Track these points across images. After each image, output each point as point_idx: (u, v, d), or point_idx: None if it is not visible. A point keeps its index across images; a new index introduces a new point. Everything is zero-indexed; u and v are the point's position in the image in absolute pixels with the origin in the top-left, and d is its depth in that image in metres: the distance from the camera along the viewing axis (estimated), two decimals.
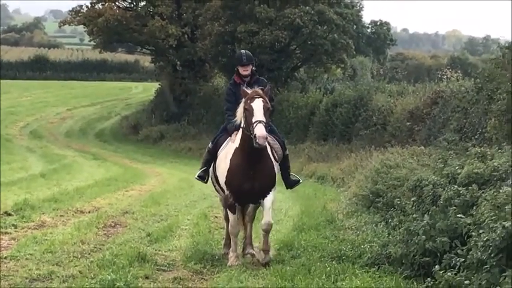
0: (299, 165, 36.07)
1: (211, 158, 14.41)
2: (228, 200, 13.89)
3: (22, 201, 19.83)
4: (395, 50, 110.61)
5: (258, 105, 13.14)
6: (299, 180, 15.24)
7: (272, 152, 13.88)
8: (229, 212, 14.13)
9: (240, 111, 13.46)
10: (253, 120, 12.97)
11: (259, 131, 12.82)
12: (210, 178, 14.61)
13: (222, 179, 13.90)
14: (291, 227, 18.57)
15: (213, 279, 12.65)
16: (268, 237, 14.11)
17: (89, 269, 12.58)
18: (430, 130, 29.27)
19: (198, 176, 14.76)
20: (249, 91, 13.39)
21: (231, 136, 13.74)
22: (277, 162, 14.01)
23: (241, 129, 13.42)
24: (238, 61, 14.50)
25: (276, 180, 14.06)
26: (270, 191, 13.87)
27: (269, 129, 13.78)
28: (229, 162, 13.67)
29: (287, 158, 14.65)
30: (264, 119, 12.98)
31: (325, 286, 11.85)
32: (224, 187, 13.90)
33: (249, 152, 13.20)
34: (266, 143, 13.32)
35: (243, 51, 14.90)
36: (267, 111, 13.16)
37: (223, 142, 14.15)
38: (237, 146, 13.53)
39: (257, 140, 12.82)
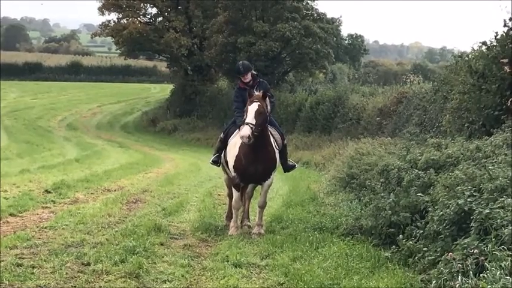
0: (288, 153, 35.88)
1: (223, 146, 14.43)
2: (235, 181, 13.92)
3: (60, 181, 19.83)
4: (367, 58, 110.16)
5: (252, 108, 13.17)
6: (295, 165, 15.37)
7: (274, 141, 13.93)
8: (234, 190, 14.14)
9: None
10: (245, 121, 13.03)
11: (243, 131, 12.94)
12: (222, 162, 14.61)
13: (231, 163, 13.92)
14: (281, 203, 18.55)
15: (216, 246, 12.64)
16: (262, 213, 14.22)
17: (114, 237, 12.55)
18: (396, 124, 29.24)
19: (212, 161, 14.80)
20: (255, 93, 13.41)
21: (239, 129, 13.55)
22: (277, 149, 14.04)
23: None
24: (237, 72, 14.51)
25: (277, 165, 14.13)
26: (271, 174, 13.99)
27: (270, 122, 13.97)
28: (237, 150, 13.68)
29: (285, 146, 14.77)
30: (252, 122, 13.01)
31: (309, 252, 11.85)
32: (232, 170, 13.91)
33: (254, 142, 13.19)
34: (269, 134, 13.58)
35: (240, 62, 14.82)
36: (258, 114, 13.12)
37: (233, 133, 14.14)
38: None
39: (241, 139, 13.00)
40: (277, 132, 14.31)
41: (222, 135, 14.71)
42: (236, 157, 13.73)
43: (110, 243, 11.91)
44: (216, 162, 14.69)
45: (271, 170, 13.94)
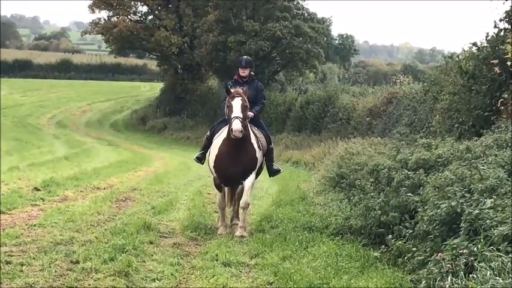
0: (278, 152, 36.03)
1: (208, 143, 14.43)
2: (216, 181, 13.93)
3: (49, 179, 19.78)
4: (358, 58, 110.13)
5: (236, 103, 13.21)
6: (279, 170, 15.22)
7: (257, 141, 13.88)
8: (216, 191, 14.23)
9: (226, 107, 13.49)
10: (232, 116, 13.05)
11: (235, 125, 12.94)
12: (206, 161, 14.59)
13: (211, 164, 13.92)
14: (270, 202, 18.57)
15: (205, 245, 12.64)
16: (245, 215, 14.11)
17: (103, 235, 12.53)
18: (386, 124, 29.30)
19: (196, 158, 14.85)
20: (232, 90, 13.44)
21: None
22: (260, 149, 13.97)
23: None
24: (238, 63, 14.64)
25: (258, 164, 14.04)
26: (251, 173, 13.86)
27: (256, 124, 13.98)
28: (217, 150, 13.67)
29: (271, 150, 14.74)
30: (240, 115, 13.06)
31: (298, 251, 11.86)
32: (213, 170, 13.91)
33: (233, 141, 13.21)
34: (250, 132, 13.48)
35: (244, 56, 15.35)
36: (244, 108, 13.21)
37: (219, 131, 14.14)
38: (225, 136, 13.53)
39: (233, 133, 12.96)
40: (262, 135, 14.28)
41: (208, 133, 14.76)
42: (216, 157, 13.76)
43: (99, 242, 11.89)
44: (199, 159, 14.75)
45: (249, 170, 13.86)
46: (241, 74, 14.40)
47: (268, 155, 14.44)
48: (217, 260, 11.07)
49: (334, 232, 13.48)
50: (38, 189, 18.12)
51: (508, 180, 10.24)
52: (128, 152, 40.06)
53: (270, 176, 15.30)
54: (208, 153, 14.38)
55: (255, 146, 13.81)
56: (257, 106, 14.18)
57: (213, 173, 14.08)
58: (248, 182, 13.90)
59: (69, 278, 9.55)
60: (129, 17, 63.32)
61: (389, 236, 11.29)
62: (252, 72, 14.59)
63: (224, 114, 14.00)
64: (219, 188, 14.08)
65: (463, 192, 10.31)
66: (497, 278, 7.73)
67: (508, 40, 15.73)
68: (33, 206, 15.88)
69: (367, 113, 33.06)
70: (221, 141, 13.68)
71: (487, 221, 8.99)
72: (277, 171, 15.05)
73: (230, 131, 13.06)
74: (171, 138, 55.82)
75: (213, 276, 10.05)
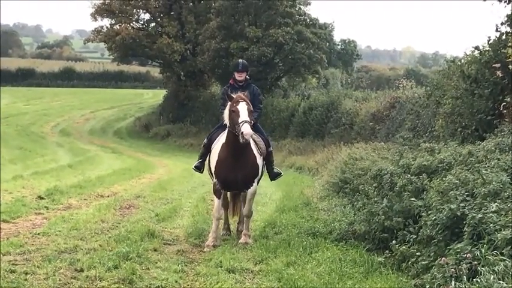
0: (281, 158, 36.19)
1: (206, 151, 14.27)
2: (215, 187, 13.75)
3: (53, 187, 19.82)
4: (360, 63, 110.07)
5: (242, 107, 12.98)
6: (280, 173, 15.03)
7: (257, 147, 13.78)
8: (214, 197, 13.94)
9: (226, 112, 13.35)
10: (240, 120, 12.76)
11: (245, 129, 12.63)
12: (206, 168, 14.51)
13: (213, 169, 13.83)
14: (274, 208, 18.56)
15: (209, 251, 12.62)
16: (249, 223, 14.00)
17: (107, 243, 12.55)
18: (389, 129, 29.27)
19: (195, 167, 14.66)
20: (234, 95, 13.31)
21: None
22: (261, 155, 13.89)
23: (227, 129, 13.34)
24: (235, 67, 14.47)
25: (260, 171, 13.94)
26: (253, 181, 13.69)
27: (254, 129, 13.77)
28: (217, 155, 13.58)
29: (271, 153, 14.48)
30: (248, 119, 12.86)
31: (302, 257, 11.85)
32: (214, 176, 13.84)
33: (233, 147, 13.09)
34: (250, 139, 13.25)
35: (240, 60, 15.01)
36: (250, 112, 13.04)
37: (216, 138, 13.99)
38: (224, 142, 13.45)
39: (244, 136, 12.64)
40: (261, 139, 14.14)
41: (205, 140, 14.52)
42: (216, 163, 13.60)
43: (103, 249, 11.90)
44: (198, 168, 14.56)
45: (252, 176, 13.68)
46: (238, 78, 14.17)
47: (268, 158, 14.26)
48: (221, 267, 11.07)
49: (338, 237, 13.47)
50: (42, 198, 18.15)
51: (511, 184, 10.23)
52: (132, 159, 40.06)
53: (271, 180, 15.12)
54: (207, 159, 14.31)
55: (255, 152, 13.68)
56: (255, 113, 13.75)
57: (213, 179, 14.01)
58: (250, 192, 13.78)
59: (74, 286, 9.58)
60: (131, 24, 63.43)
61: (393, 241, 11.27)
62: (247, 76, 14.46)
63: (222, 120, 13.78)
64: (218, 193, 13.75)
65: (465, 196, 10.31)
66: (501, 282, 7.73)
67: (510, 44, 15.76)
68: (37, 214, 15.90)
69: (370, 118, 33.06)
70: (220, 148, 13.58)
71: (491, 225, 8.98)
72: (278, 174, 14.87)
73: (240, 134, 12.68)
74: (175, 145, 55.86)
75: (217, 283, 10.06)
